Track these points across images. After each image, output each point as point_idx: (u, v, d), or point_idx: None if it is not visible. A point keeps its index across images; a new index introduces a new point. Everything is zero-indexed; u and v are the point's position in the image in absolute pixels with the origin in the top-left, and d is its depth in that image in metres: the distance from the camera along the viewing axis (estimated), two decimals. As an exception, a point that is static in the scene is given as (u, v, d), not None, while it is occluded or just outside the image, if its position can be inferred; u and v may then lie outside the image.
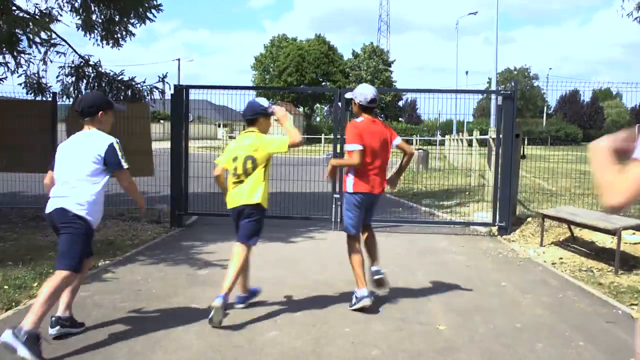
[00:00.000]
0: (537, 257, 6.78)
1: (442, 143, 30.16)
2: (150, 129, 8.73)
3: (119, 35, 9.90)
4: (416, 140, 31.19)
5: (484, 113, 71.44)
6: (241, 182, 4.22)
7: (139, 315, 4.22)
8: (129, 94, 10.46)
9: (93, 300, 4.47)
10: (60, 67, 9.67)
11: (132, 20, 9.94)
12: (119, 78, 10.39)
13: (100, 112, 3.76)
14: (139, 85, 10.45)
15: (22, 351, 3.10)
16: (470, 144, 16.66)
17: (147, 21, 9.81)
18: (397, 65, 65.67)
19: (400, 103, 66.55)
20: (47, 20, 8.98)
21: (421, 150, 21.57)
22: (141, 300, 4.53)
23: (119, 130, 8.88)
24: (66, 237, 3.55)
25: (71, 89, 9.76)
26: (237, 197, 4.22)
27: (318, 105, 64.83)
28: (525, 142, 8.52)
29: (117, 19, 9.71)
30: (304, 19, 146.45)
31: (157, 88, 10.39)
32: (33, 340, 3.18)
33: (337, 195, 8.22)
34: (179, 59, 55.07)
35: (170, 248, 6.82)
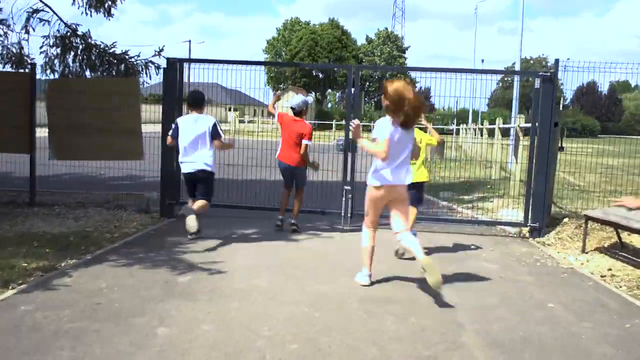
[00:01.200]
0: (580, 266, 5.76)
1: (457, 132, 29.06)
2: (139, 107, 7.75)
3: (109, 2, 8.93)
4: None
5: (499, 103, 69.91)
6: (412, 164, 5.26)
7: (85, 345, 3.22)
8: (122, 68, 9.51)
9: (33, 319, 3.51)
10: (45, 37, 8.73)
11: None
12: (111, 51, 9.43)
13: (204, 103, 6.19)
14: (132, 60, 9.50)
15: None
16: (491, 133, 15.56)
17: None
18: (411, 52, 64.16)
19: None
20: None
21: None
22: (95, 320, 3.55)
23: (105, 108, 8.01)
24: (206, 184, 6.07)
25: (56, 61, 8.83)
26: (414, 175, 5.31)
27: (330, 90, 63.62)
28: (565, 133, 7.35)
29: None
30: (318, 4, 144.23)
31: (152, 63, 9.42)
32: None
33: (348, 187, 7.23)
34: (189, 41, 53.88)
35: (152, 244, 5.88)
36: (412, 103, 4.26)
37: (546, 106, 6.95)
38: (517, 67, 17.83)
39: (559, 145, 7.26)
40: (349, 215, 7.27)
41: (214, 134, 5.96)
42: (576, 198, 9.29)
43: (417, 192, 5.67)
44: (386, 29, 66.55)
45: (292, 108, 6.78)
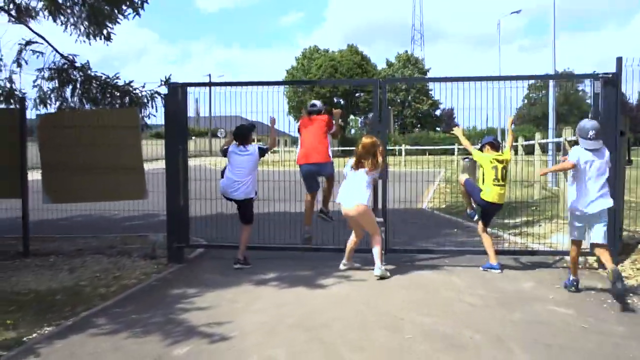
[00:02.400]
0: (677, 306, 4.63)
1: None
2: (140, 140, 6.94)
3: (110, 28, 8.23)
4: (457, 148, 28.83)
5: (525, 120, 68.18)
6: (501, 185, 5.95)
7: None
8: (127, 101, 8.77)
9: None
10: (39, 70, 8.04)
11: (125, 11, 8.27)
12: (114, 82, 8.72)
13: (250, 135, 6.49)
14: (137, 91, 8.76)
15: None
16: (529, 150, 14.44)
17: (141, 10, 8.15)
18: (432, 74, 62.92)
19: (437, 112, 64.15)
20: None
21: (467, 160, 19.26)
22: None
23: (102, 144, 7.19)
24: (246, 209, 6.38)
25: (52, 95, 8.11)
26: (500, 196, 5.97)
27: (352, 116, 62.89)
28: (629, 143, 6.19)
29: (105, 10, 8.03)
30: (336, 33, 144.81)
31: (158, 93, 8.67)
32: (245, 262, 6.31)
33: (380, 219, 6.22)
34: (209, 75, 54.04)
35: (151, 300, 4.94)
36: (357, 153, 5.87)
37: (609, 113, 5.89)
38: (551, 84, 16.79)
39: (627, 157, 6.16)
40: (382, 251, 6.23)
41: (262, 151, 6.46)
42: (638, 217, 8.10)
43: (493, 214, 6.22)
44: (406, 52, 65.88)
45: (308, 113, 6.71)
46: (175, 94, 6.68)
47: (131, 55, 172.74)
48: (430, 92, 59.38)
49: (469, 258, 6.48)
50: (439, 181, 17.60)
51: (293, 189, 7.16)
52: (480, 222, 6.17)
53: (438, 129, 61.68)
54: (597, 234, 4.89)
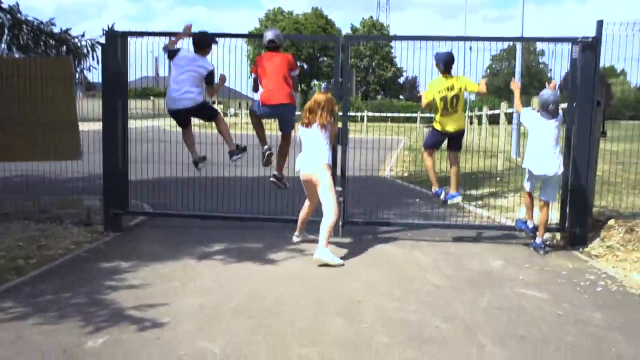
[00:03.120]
0: (653, 289, 4.31)
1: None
2: (73, 94, 6.15)
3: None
4: (419, 117, 28.49)
5: (488, 90, 68.65)
6: (450, 113, 5.60)
7: None
8: (63, 50, 7.90)
9: None
10: (-45, 11, 7.07)
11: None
12: (48, 29, 7.80)
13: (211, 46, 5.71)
14: (75, 40, 7.89)
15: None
16: (494, 120, 14.14)
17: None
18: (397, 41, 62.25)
19: (401, 80, 63.82)
20: None
21: (431, 128, 18.89)
22: None
23: (27, 97, 6.37)
24: (204, 109, 5.76)
25: (-27, 42, 7.18)
26: (450, 124, 5.64)
27: (315, 82, 61.91)
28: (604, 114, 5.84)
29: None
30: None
31: (100, 44, 7.81)
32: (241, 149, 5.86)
33: (339, 188, 5.69)
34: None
35: (75, 276, 4.31)
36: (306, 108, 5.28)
37: (587, 80, 5.48)
38: (519, 48, 16.48)
39: (601, 129, 5.78)
40: (339, 223, 5.73)
41: (210, 78, 5.66)
42: (604, 192, 7.84)
43: (457, 140, 5.89)
44: (371, 17, 64.87)
45: (267, 48, 5.70)
46: (114, 44, 5.89)
47: (90, 10, 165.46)
48: (394, 59, 58.87)
49: (433, 232, 6.07)
50: (401, 149, 17.22)
51: (250, 154, 6.55)
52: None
53: (401, 96, 61.45)
54: (546, 193, 5.40)
